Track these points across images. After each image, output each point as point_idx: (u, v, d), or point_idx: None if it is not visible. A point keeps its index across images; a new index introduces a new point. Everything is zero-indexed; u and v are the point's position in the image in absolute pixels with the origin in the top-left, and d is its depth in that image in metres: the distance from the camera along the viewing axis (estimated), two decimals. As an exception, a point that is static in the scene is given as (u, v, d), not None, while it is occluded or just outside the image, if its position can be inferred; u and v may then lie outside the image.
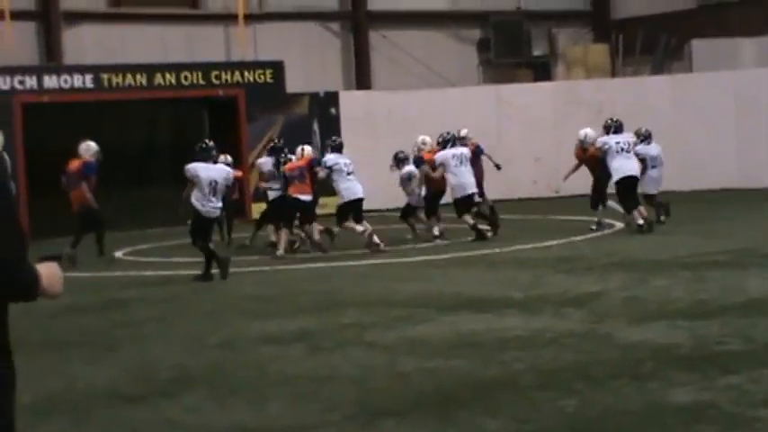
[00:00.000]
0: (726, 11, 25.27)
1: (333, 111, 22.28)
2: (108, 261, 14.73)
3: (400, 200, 17.27)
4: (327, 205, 16.82)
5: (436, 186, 15.69)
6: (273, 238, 15.16)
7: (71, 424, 6.19)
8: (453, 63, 26.08)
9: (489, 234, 15.26)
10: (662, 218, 15.89)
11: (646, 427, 5.41)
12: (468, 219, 15.32)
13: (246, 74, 21.67)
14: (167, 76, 20.99)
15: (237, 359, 7.66)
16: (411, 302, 9.79)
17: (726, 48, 24.19)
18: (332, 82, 24.22)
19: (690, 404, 5.68)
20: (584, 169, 16.05)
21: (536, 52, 26.76)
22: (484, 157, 16.83)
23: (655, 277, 10.55)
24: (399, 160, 15.91)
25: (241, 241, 16.18)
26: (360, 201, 14.98)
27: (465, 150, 15.69)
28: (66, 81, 20.09)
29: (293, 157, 14.94)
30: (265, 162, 15.72)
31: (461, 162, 15.48)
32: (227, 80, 21.49)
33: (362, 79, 25.08)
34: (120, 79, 20.51)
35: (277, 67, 21.93)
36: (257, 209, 18.28)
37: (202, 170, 12.51)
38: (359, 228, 14.64)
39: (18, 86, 19.58)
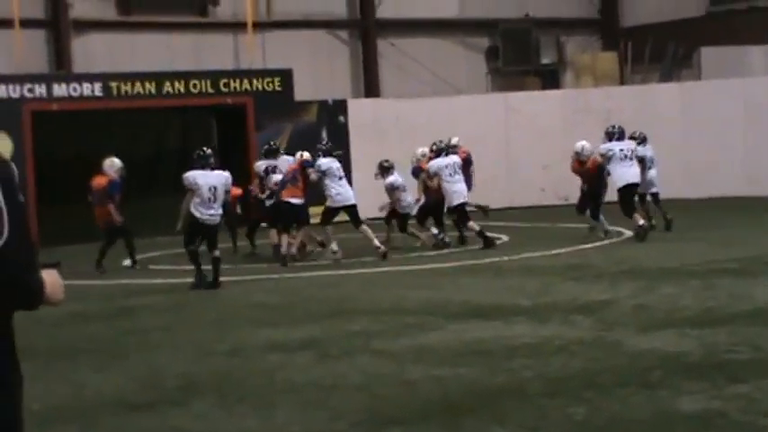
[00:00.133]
0: (735, 18, 25.24)
1: (341, 118, 22.29)
2: (102, 271, 14.78)
3: (410, 207, 17.31)
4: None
5: (436, 195, 15.76)
6: (276, 241, 15.20)
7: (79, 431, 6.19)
8: (462, 71, 26.10)
9: (496, 241, 15.31)
10: (660, 218, 15.82)
11: (654, 436, 5.40)
12: (474, 226, 15.39)
13: (255, 82, 21.70)
14: (176, 84, 21.02)
15: (245, 367, 7.65)
16: (419, 310, 9.78)
17: (734, 55, 24.16)
18: (340, 90, 24.25)
19: (699, 412, 5.66)
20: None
21: (544, 60, 26.75)
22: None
23: (663, 285, 10.52)
24: (384, 169, 16.03)
25: (244, 250, 16.21)
26: (353, 207, 15.03)
27: (456, 159, 15.80)
28: (75, 89, 20.14)
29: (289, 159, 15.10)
30: (262, 165, 15.77)
31: (455, 171, 15.60)
32: (235, 88, 21.52)
33: (371, 87, 25.10)
34: (128, 87, 20.56)
35: (285, 75, 21.96)
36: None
37: (201, 177, 12.56)
38: (374, 239, 14.69)
39: (27, 94, 19.63)
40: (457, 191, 15.50)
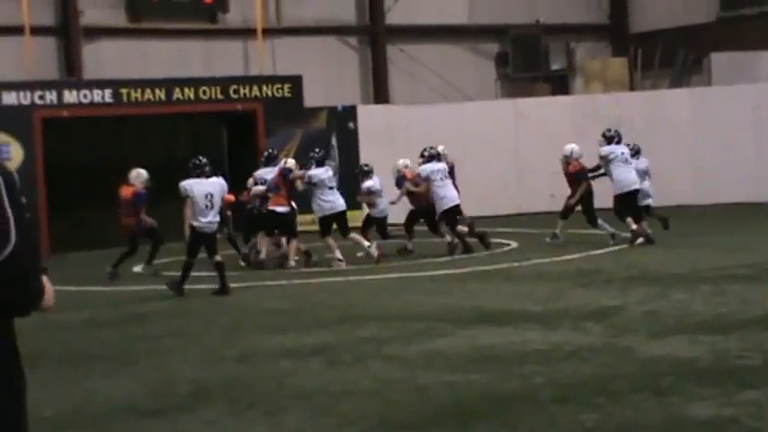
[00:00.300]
0: (745, 24, 25.21)
1: (351, 125, 22.30)
2: (113, 277, 14.81)
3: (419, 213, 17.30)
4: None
5: (424, 202, 15.88)
6: (284, 250, 15.26)
7: (90, 437, 6.21)
8: (471, 77, 26.11)
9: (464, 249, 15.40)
10: (655, 222, 15.97)
11: (666, 442, 5.39)
12: (463, 229, 15.41)
13: (265, 88, 21.74)
14: (186, 90, 21.08)
15: (255, 373, 7.66)
16: (430, 316, 9.78)
17: (745, 61, 24.12)
18: (350, 96, 24.28)
19: (710, 419, 5.65)
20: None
21: (554, 66, 26.75)
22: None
23: (674, 291, 10.51)
24: (363, 173, 16.11)
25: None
26: (343, 213, 15.06)
27: (444, 166, 15.88)
28: (85, 96, 20.21)
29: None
30: (260, 173, 15.80)
31: (445, 176, 15.71)
32: (245, 94, 21.57)
33: (380, 93, 25.12)
34: (139, 94, 20.62)
35: (295, 82, 21.99)
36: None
37: (196, 186, 12.65)
38: (336, 252, 14.76)
39: (38, 101, 19.70)
40: (446, 195, 15.56)
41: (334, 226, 14.99)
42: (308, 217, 16.79)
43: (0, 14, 21.14)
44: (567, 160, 16.14)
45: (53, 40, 22.18)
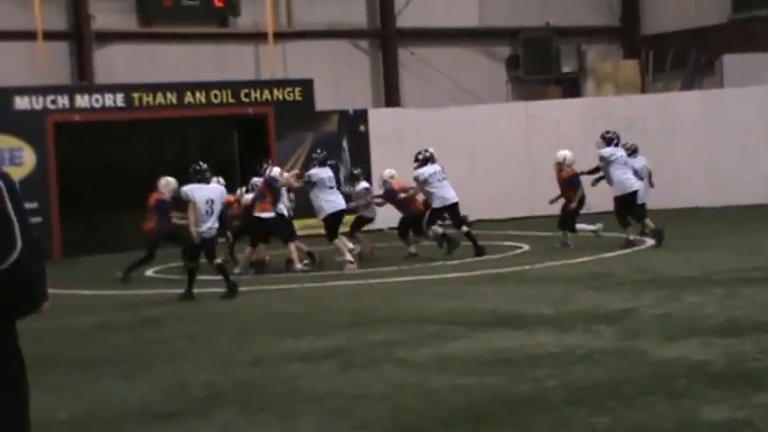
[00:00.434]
0: (757, 26, 25.15)
1: (362, 128, 22.34)
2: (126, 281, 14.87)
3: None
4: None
5: (413, 208, 16.01)
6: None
7: (104, 441, 6.23)
8: (482, 80, 26.10)
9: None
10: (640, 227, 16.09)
11: (679, 445, 5.38)
12: (439, 230, 15.51)
13: (276, 92, 21.78)
14: (197, 94, 21.13)
15: (268, 376, 7.67)
16: (442, 319, 9.78)
17: (757, 63, 24.07)
18: (361, 99, 24.30)
19: (724, 422, 5.63)
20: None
21: (565, 68, 26.73)
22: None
23: (687, 294, 10.48)
24: (354, 177, 16.23)
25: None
26: (342, 213, 15.17)
27: (440, 167, 15.87)
28: (97, 100, 20.27)
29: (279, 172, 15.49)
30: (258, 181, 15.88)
31: (442, 177, 15.72)
32: (256, 98, 21.61)
33: (391, 96, 25.14)
34: (150, 98, 20.67)
35: (306, 85, 22.02)
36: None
37: (197, 191, 12.73)
38: (349, 245, 14.82)
39: (50, 106, 19.78)
40: (445, 196, 15.59)
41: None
42: (309, 221, 16.86)
43: (13, 20, 21.23)
44: (560, 167, 16.15)
45: (65, 45, 22.26)
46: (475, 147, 22.80)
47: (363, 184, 16.22)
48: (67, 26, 22.29)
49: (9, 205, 2.47)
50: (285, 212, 15.85)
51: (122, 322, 11.01)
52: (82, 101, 20.12)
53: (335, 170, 15.91)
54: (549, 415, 6.02)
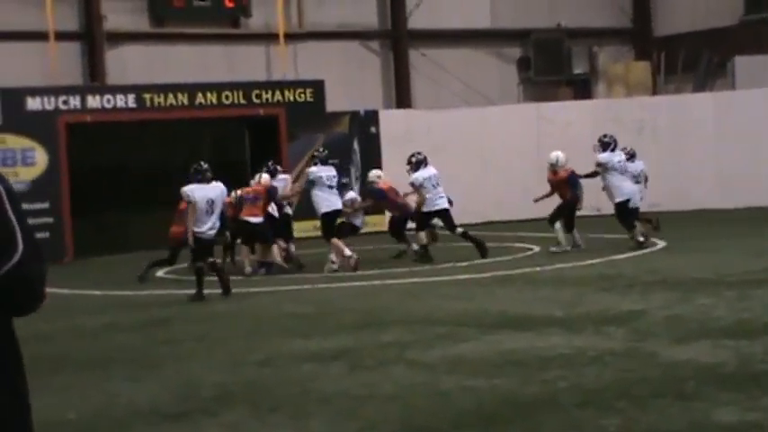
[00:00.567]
0: (768, 27, 25.08)
1: (373, 129, 22.33)
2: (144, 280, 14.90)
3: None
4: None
5: (400, 212, 16.11)
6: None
7: (113, 441, 6.24)
8: (493, 81, 26.08)
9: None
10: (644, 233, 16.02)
11: (690, 447, 5.36)
12: (423, 238, 15.52)
13: (287, 93, 21.78)
14: (208, 95, 21.14)
15: (278, 377, 7.67)
16: (452, 321, 9.77)
17: (769, 64, 24.00)
18: (372, 100, 24.29)
19: (735, 424, 5.61)
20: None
21: (576, 70, 26.69)
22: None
23: (697, 296, 10.45)
24: (343, 185, 16.29)
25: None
26: (337, 212, 15.16)
27: (436, 171, 15.87)
28: (108, 101, 20.30)
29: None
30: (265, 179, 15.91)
31: (437, 183, 15.69)
32: (267, 99, 21.62)
33: (402, 98, 25.13)
34: (162, 99, 20.69)
35: (317, 86, 22.03)
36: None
37: (198, 191, 12.79)
38: (347, 251, 14.80)
39: (62, 106, 19.81)
40: (436, 201, 15.59)
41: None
42: (310, 223, 16.90)
43: (25, 20, 21.29)
44: (553, 168, 16.04)
45: (77, 46, 22.31)
46: (486, 148, 22.77)
47: (351, 195, 16.18)
48: (79, 27, 22.34)
49: (9, 207, 2.48)
50: (289, 211, 15.89)
51: (132, 322, 11.03)
52: (93, 101, 20.15)
53: (339, 170, 15.88)
54: (558, 417, 6.01)
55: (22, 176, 19.08)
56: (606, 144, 15.94)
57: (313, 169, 15.30)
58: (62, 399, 7.16)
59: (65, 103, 19.86)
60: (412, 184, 15.74)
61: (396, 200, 16.27)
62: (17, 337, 2.56)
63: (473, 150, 22.57)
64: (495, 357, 7.86)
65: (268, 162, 16.83)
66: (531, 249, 16.44)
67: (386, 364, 7.85)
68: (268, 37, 23.58)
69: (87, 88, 20.85)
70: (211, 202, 12.74)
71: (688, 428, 5.60)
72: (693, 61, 25.54)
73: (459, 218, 21.43)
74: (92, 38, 22.18)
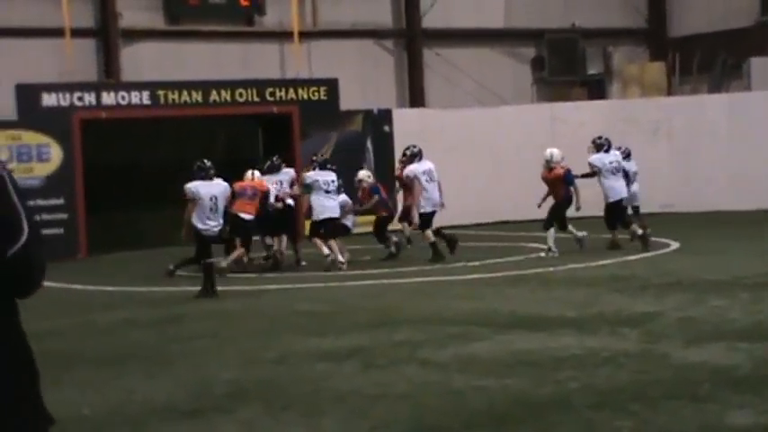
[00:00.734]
0: (784, 29, 24.99)
1: (386, 128, 22.33)
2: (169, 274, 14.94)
3: (454, 218, 17.29)
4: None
5: (384, 212, 16.26)
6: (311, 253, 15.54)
7: (128, 437, 6.26)
8: (507, 81, 26.04)
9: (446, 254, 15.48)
10: (648, 230, 15.98)
11: (703, 450, 5.35)
12: (430, 236, 15.49)
13: (301, 91, 21.80)
14: (222, 92, 21.17)
15: (291, 375, 7.69)
16: (465, 320, 9.77)
17: (784, 66, 23.92)
18: (385, 99, 24.29)
19: (749, 427, 5.61)
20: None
21: (591, 70, 26.62)
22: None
23: (711, 297, 10.43)
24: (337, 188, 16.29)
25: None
26: (332, 220, 15.12)
27: (432, 165, 15.85)
28: (123, 98, 20.35)
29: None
30: (270, 179, 15.91)
31: (431, 178, 15.63)
32: (281, 97, 21.64)
33: (416, 97, 25.12)
34: (176, 96, 20.73)
35: (331, 85, 22.04)
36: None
37: (202, 188, 12.91)
38: (325, 250, 14.81)
39: (77, 102, 19.86)
40: (430, 198, 15.57)
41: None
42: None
43: (41, 17, 21.36)
44: (548, 165, 15.98)
45: (92, 43, 22.37)
46: (499, 148, 22.74)
47: (342, 197, 16.19)
48: (95, 23, 22.40)
49: (12, 191, 2.55)
50: (292, 203, 15.90)
51: (146, 319, 11.06)
52: (108, 98, 20.20)
53: (338, 174, 15.93)
54: (571, 418, 6.01)
55: (37, 172, 19.15)
56: (599, 146, 16.18)
57: (310, 174, 15.35)
58: (76, 395, 7.19)
59: (80, 99, 19.91)
60: (406, 177, 15.71)
61: (386, 199, 16.40)
62: (20, 321, 2.59)
63: (486, 150, 22.55)
64: (508, 357, 7.87)
65: (273, 157, 16.88)
66: (544, 249, 16.39)
67: (398, 364, 7.86)
68: (282, 35, 23.61)
69: (102, 85, 20.91)
70: (215, 200, 12.87)
71: (701, 431, 5.60)
72: (709, 62, 25.47)
73: (472, 217, 21.54)
74: (107, 35, 22.24)
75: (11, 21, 21.17)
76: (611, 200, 15.82)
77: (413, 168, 15.69)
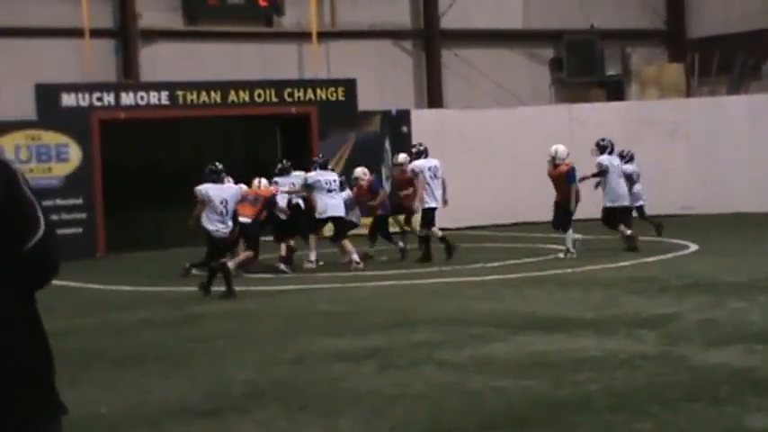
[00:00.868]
0: (805, 30, 24.85)
1: (404, 129, 22.32)
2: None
3: (470, 219, 17.22)
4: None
5: (381, 212, 16.33)
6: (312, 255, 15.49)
7: (145, 436, 6.27)
8: (525, 82, 25.99)
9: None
10: (651, 226, 16.29)
11: (722, 453, 5.33)
12: (437, 232, 15.59)
13: (319, 91, 21.82)
14: (241, 93, 21.21)
15: (309, 375, 7.69)
16: (482, 321, 9.76)
17: (804, 67, 23.79)
18: (404, 100, 24.29)
19: (767, 429, 5.58)
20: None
21: (609, 71, 26.53)
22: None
23: (731, 300, 10.38)
24: (340, 185, 16.30)
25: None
26: (339, 219, 15.27)
27: (438, 163, 15.99)
28: (142, 98, 20.41)
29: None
30: (282, 182, 15.92)
31: (435, 175, 15.79)
32: (299, 98, 21.66)
33: (434, 97, 25.10)
34: (194, 96, 20.78)
35: (349, 85, 22.05)
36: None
37: (213, 190, 12.94)
38: (312, 255, 15.07)
39: (96, 103, 19.94)
40: (433, 194, 15.68)
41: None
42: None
43: (61, 17, 21.44)
44: (554, 162, 15.93)
45: (111, 43, 22.44)
46: (517, 149, 22.70)
47: (347, 192, 16.22)
48: (114, 24, 22.47)
49: (25, 186, 2.58)
50: (301, 204, 15.89)
51: (164, 319, 11.08)
52: (127, 98, 20.27)
53: (339, 175, 16.07)
54: (590, 419, 5.99)
55: (56, 172, 19.23)
56: (603, 147, 16.26)
57: (310, 174, 15.52)
58: (94, 394, 7.21)
59: (99, 99, 19.98)
60: (412, 171, 15.87)
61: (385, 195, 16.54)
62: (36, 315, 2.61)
63: (504, 151, 22.51)
64: (526, 359, 7.85)
65: (282, 160, 16.96)
66: (562, 250, 16.35)
67: (416, 364, 7.86)
68: (301, 36, 23.63)
69: (121, 85, 20.98)
70: (225, 203, 12.91)
71: (720, 433, 5.57)
72: (728, 63, 25.35)
73: (490, 218, 21.51)
74: (126, 35, 22.31)
75: (31, 21, 21.26)
76: (612, 204, 15.88)
77: (419, 164, 15.90)
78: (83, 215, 19.39)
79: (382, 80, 24.28)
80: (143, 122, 20.53)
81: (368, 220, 16.80)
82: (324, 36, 23.67)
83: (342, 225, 15.50)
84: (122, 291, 14.11)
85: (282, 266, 15.13)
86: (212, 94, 20.94)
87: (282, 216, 15.31)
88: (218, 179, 13.15)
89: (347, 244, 15.26)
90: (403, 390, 6.96)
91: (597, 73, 26.33)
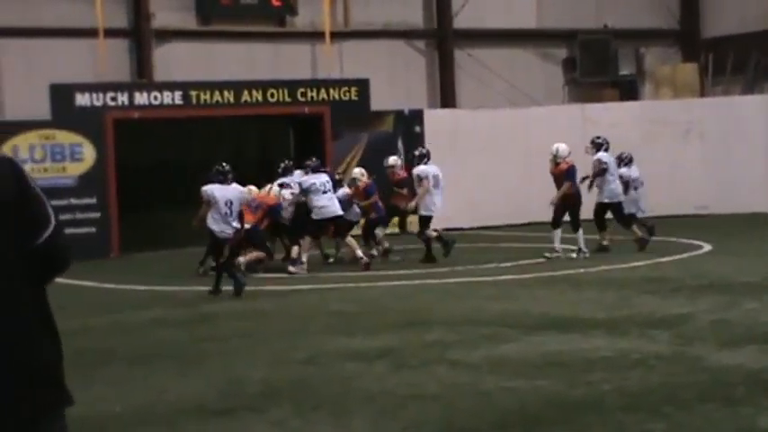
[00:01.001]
0: (819, 29, 24.75)
1: (417, 129, 22.32)
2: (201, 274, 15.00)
3: (486, 219, 17.19)
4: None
5: (375, 214, 16.23)
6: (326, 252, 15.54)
7: (159, 435, 6.29)
8: (539, 82, 25.96)
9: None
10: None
11: (736, 453, 5.31)
12: (431, 233, 15.61)
13: (332, 91, 21.84)
14: (254, 93, 21.24)
15: (322, 375, 7.70)
16: (495, 321, 9.75)
17: (819, 67, 23.71)
18: (417, 100, 24.28)
19: (782, 431, 5.56)
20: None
21: (623, 71, 26.48)
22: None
23: (745, 300, 10.35)
24: (336, 182, 16.28)
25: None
26: (339, 218, 15.30)
27: (440, 172, 15.99)
28: (155, 98, 20.46)
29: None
30: (288, 182, 15.99)
31: (437, 182, 15.82)
32: (312, 97, 21.68)
33: (447, 97, 25.09)
34: (208, 96, 20.82)
35: (362, 85, 22.06)
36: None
37: (218, 191, 13.00)
38: (304, 257, 15.03)
39: (110, 102, 19.99)
40: (435, 202, 15.69)
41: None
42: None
43: (75, 17, 21.50)
44: (555, 160, 15.92)
45: (125, 43, 22.50)
46: (530, 149, 22.66)
47: (344, 190, 16.20)
48: (128, 24, 22.52)
49: (33, 183, 2.62)
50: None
51: (177, 318, 11.11)
52: (141, 98, 20.32)
53: (331, 176, 16.07)
54: (603, 420, 5.98)
55: (70, 172, 19.30)
56: (599, 145, 16.25)
57: (304, 179, 15.55)
58: (108, 392, 7.24)
59: (113, 99, 20.04)
60: (416, 176, 15.85)
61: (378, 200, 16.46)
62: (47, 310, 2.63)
63: (517, 151, 22.49)
64: (539, 359, 7.84)
65: (285, 160, 17.06)
66: (575, 250, 16.33)
67: (429, 364, 7.86)
68: (314, 35, 23.65)
69: (135, 85, 21.03)
70: (230, 204, 12.97)
71: (734, 434, 5.56)
72: (742, 63, 25.27)
73: (503, 218, 21.49)
74: (140, 35, 22.36)
75: (45, 21, 21.34)
76: (609, 200, 15.85)
77: (424, 169, 15.87)
78: (97, 215, 19.46)
79: (395, 80, 24.28)
80: (157, 122, 20.58)
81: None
82: (337, 36, 23.68)
83: (342, 224, 15.56)
84: (136, 290, 14.15)
85: (292, 268, 15.11)
86: (225, 93, 20.98)
87: (292, 198, 15.38)
88: (224, 180, 13.19)
89: (351, 241, 15.33)
90: (416, 390, 6.97)
91: (611, 73, 26.28)
